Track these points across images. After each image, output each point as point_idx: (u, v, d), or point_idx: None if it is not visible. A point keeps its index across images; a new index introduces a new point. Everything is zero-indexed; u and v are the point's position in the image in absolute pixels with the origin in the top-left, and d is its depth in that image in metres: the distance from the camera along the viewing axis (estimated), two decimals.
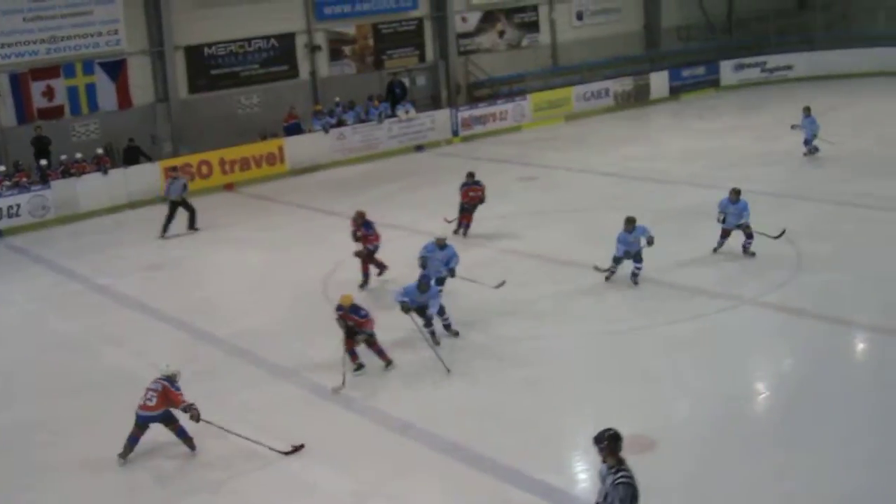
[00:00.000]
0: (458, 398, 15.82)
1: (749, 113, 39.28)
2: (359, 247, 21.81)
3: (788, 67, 45.85)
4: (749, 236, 21.42)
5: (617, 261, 20.49)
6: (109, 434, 14.93)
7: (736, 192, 21.72)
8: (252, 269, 23.79)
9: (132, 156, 32.35)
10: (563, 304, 19.64)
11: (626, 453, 13.62)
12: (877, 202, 24.44)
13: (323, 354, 17.97)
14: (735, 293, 19.42)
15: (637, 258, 20.30)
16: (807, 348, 17.01)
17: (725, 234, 21.83)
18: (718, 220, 21.67)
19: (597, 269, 20.48)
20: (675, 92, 44.56)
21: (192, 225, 28.07)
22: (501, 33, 42.93)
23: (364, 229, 21.74)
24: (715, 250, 21.79)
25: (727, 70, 45.95)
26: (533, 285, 20.67)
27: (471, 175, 24.75)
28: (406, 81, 39.53)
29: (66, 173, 30.91)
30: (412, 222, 26.27)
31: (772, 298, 19.00)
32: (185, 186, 28.51)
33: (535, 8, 43.74)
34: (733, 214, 21.55)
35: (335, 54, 38.42)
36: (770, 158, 30.64)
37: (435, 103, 39.78)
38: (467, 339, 18.19)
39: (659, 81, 44.36)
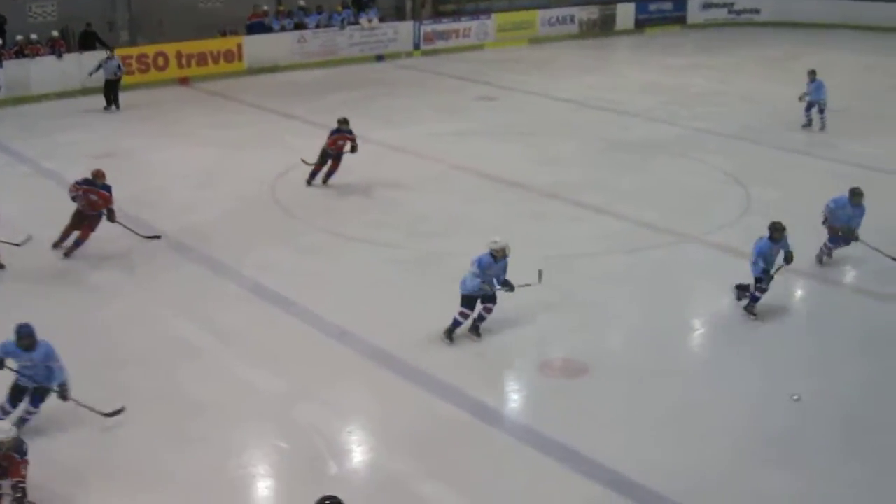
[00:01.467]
0: (396, 309, 15.86)
1: (712, 53, 39.29)
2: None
3: (756, 11, 45.89)
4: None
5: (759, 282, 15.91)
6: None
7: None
8: (202, 166, 23.62)
9: (88, 41, 31.86)
10: (507, 224, 19.60)
11: (561, 377, 13.87)
12: (828, 152, 24.59)
13: (266, 254, 18.01)
14: (678, 230, 19.49)
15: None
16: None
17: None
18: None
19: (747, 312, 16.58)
20: (640, 25, 44.50)
21: (118, 105, 29.31)
22: None
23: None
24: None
25: (694, 8, 45.90)
26: (478, 203, 20.70)
27: (344, 122, 22.62)
28: None
29: (19, 54, 30.49)
30: (365, 130, 26.08)
31: (715, 238, 19.10)
32: (119, 67, 29.41)
33: None
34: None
35: None
36: (727, 98, 30.79)
37: (399, 14, 39.41)
38: (410, 249, 18.22)
39: (625, 13, 44.20)
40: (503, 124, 27.47)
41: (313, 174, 22.08)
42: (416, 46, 37.90)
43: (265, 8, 35.45)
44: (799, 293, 17.46)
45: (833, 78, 29.64)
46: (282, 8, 36.07)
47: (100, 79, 29.18)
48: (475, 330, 14.99)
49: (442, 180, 22.54)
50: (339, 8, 36.84)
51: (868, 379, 13.99)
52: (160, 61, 32.36)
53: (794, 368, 14.26)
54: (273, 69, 34.07)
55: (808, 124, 26.46)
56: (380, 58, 36.85)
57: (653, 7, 45.09)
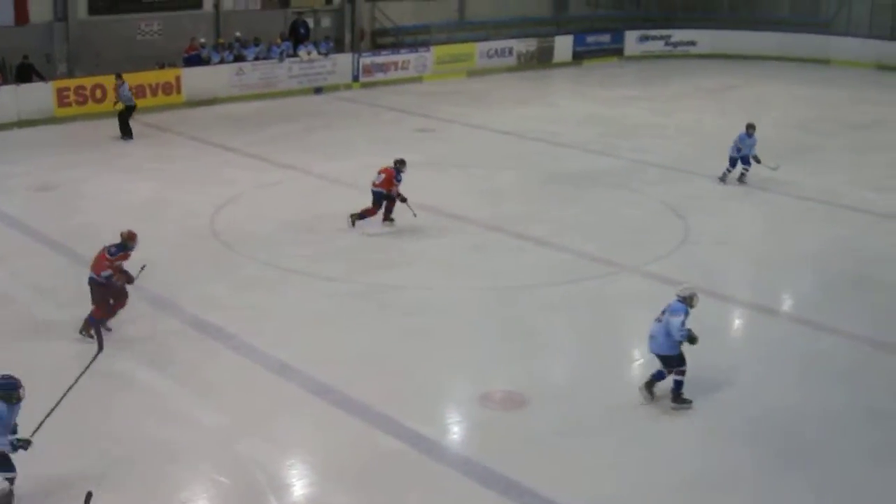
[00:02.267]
0: (337, 342, 15.84)
1: (649, 85, 39.68)
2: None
3: (692, 43, 46.42)
4: (748, 165, 24.81)
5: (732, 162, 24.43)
6: None
7: (752, 127, 24.82)
8: (140, 199, 23.44)
9: (25, 73, 31.63)
10: (449, 256, 19.73)
11: (498, 409, 13.90)
12: (764, 184, 24.86)
13: (203, 288, 17.95)
14: (617, 261, 19.65)
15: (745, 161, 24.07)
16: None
17: (734, 164, 24.95)
18: (732, 154, 24.85)
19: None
20: (578, 57, 44.80)
21: (128, 133, 29.37)
22: None
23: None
24: (722, 179, 24.97)
25: (631, 40, 46.32)
26: (420, 236, 20.73)
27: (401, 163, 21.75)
28: (311, 22, 39.17)
29: None
30: (304, 163, 26.17)
31: (654, 268, 19.25)
32: (131, 94, 29.80)
33: None
34: (748, 147, 24.70)
35: None
36: (665, 131, 31.07)
37: (338, 47, 39.43)
38: (351, 282, 18.22)
39: (563, 45, 44.51)
40: (442, 156, 27.54)
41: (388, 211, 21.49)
42: (355, 78, 37.93)
43: (202, 40, 35.35)
44: (737, 322, 17.65)
45: (769, 109, 30.09)
46: (221, 40, 35.99)
47: (37, 111, 28.95)
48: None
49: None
50: (278, 40, 36.82)
51: (807, 406, 14.15)
52: (98, 93, 32.11)
53: (736, 400, 14.37)
54: (212, 101, 33.98)
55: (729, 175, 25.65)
56: (318, 90, 36.84)
57: (590, 39, 45.47)
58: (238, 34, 36.25)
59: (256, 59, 35.86)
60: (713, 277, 18.83)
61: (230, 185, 24.19)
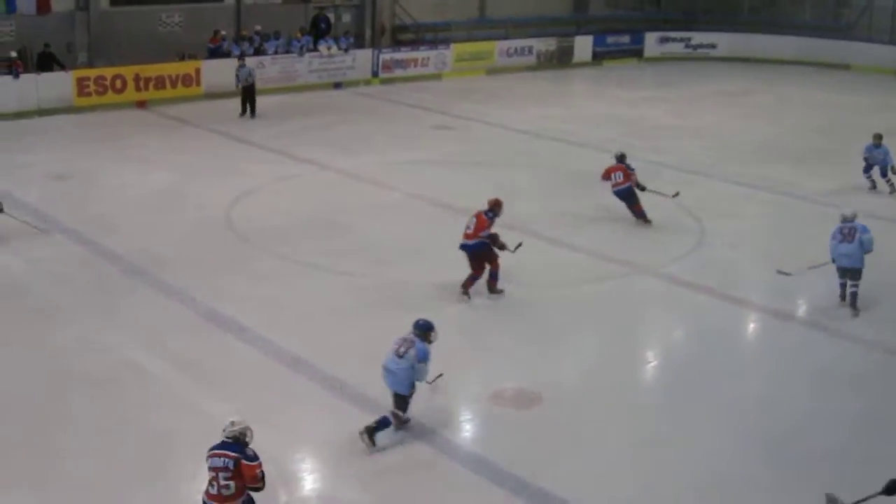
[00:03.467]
0: (351, 337, 15.83)
1: (668, 87, 39.57)
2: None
3: (712, 46, 46.26)
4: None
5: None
6: None
7: (878, 137, 24.54)
8: (157, 190, 23.54)
9: (46, 62, 31.73)
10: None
11: (511, 407, 13.91)
12: (781, 187, 24.83)
13: (217, 280, 18.00)
14: (633, 261, 19.64)
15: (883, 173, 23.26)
16: (698, 322, 17.29)
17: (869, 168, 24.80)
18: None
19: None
20: (597, 57, 44.71)
21: (253, 113, 31.47)
22: None
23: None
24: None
25: (651, 42, 46.20)
26: (435, 232, 20.68)
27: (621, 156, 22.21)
28: (331, 17, 39.18)
29: None
30: (323, 158, 26.20)
31: (669, 270, 19.25)
32: (251, 72, 31.69)
33: None
34: (879, 159, 24.51)
35: None
36: (683, 132, 30.99)
37: (358, 43, 39.42)
38: (366, 277, 18.23)
39: (583, 45, 44.43)
40: (460, 154, 27.55)
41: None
42: (375, 74, 37.95)
43: (223, 33, 35.39)
44: (751, 327, 17.64)
45: (788, 114, 30.02)
46: (244, 33, 36.02)
47: (57, 100, 29.02)
48: None
49: (399, 209, 22.59)
50: (299, 35, 36.84)
51: (820, 415, 14.13)
52: (118, 84, 32.22)
53: (748, 405, 14.37)
54: (231, 94, 33.98)
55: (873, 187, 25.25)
56: (338, 85, 36.87)
57: (610, 40, 45.39)
58: (258, 27, 36.27)
59: (276, 52, 35.89)
60: (728, 280, 18.82)
61: (248, 178, 24.23)
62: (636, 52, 45.83)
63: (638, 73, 43.03)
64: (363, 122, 31.55)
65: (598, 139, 29.35)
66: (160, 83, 33.03)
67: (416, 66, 39.06)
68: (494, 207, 17.90)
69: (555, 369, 15.28)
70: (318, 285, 18.09)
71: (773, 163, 27.08)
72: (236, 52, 34.93)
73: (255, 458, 10.27)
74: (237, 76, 31.78)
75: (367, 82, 37.58)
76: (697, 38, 46.42)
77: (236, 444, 10.31)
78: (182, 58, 34.29)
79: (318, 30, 37.79)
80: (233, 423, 10.39)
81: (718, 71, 42.92)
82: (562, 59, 43.63)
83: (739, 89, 38.70)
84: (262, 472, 10.30)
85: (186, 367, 14.80)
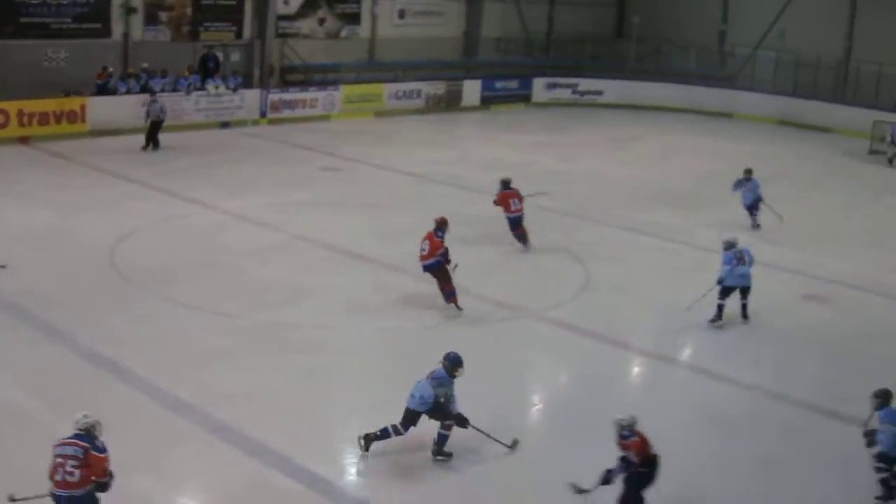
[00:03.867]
0: (233, 379, 15.71)
1: (556, 132, 40.01)
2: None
3: (599, 92, 47.00)
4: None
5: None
6: None
7: (749, 172, 26.46)
8: (38, 227, 23.11)
9: None
10: (350, 297, 19.67)
11: (387, 453, 13.83)
12: (665, 232, 25.20)
13: (99, 320, 17.74)
14: (520, 305, 19.77)
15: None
16: (581, 365, 17.45)
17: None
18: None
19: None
20: (486, 102, 45.12)
21: (156, 145, 32.22)
22: (322, 21, 42.67)
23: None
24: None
25: (539, 87, 46.79)
26: (322, 274, 20.67)
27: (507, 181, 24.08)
28: (220, 56, 39.00)
29: None
30: (208, 198, 25.98)
31: (554, 314, 19.39)
32: (163, 108, 32.47)
33: (358, 0, 43.64)
34: (749, 191, 26.23)
35: (151, 19, 37.49)
36: (569, 177, 31.27)
37: (246, 82, 39.24)
38: (250, 319, 18.09)
39: (471, 89, 44.83)
40: (347, 196, 27.53)
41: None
42: (263, 115, 37.79)
43: (111, 69, 35.03)
44: (634, 370, 17.82)
45: (672, 160, 30.54)
46: (130, 70, 35.68)
47: None
48: None
49: (285, 250, 22.47)
50: (186, 73, 36.60)
51: (701, 454, 14.29)
52: (0, 119, 31.70)
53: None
54: (116, 132, 33.61)
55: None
56: (225, 125, 36.65)
57: (499, 85, 45.86)
58: (146, 65, 35.95)
59: (163, 90, 35.59)
60: (612, 324, 19.03)
61: (132, 217, 23.94)
62: (524, 98, 46.33)
63: (526, 118, 43.43)
64: (250, 163, 31.38)
65: (485, 183, 29.43)
66: (44, 119, 32.53)
67: (304, 106, 39.00)
68: (441, 226, 19.33)
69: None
70: (200, 327, 17.91)
71: (657, 208, 27.49)
72: (122, 90, 34.61)
73: (104, 450, 10.92)
74: (147, 111, 32.33)
75: (255, 122, 37.38)
76: (584, 84, 47.15)
77: (87, 435, 10.92)
78: (67, 94, 33.84)
79: (207, 68, 37.59)
80: (85, 416, 11.03)
81: (605, 117, 43.55)
82: (450, 103, 43.93)
83: (626, 135, 39.29)
84: (110, 467, 10.90)
85: (65, 410, 14.46)
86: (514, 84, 46.36)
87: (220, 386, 15.49)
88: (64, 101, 33.38)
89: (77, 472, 10.76)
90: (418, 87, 43.06)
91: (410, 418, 13.78)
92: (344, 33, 43.50)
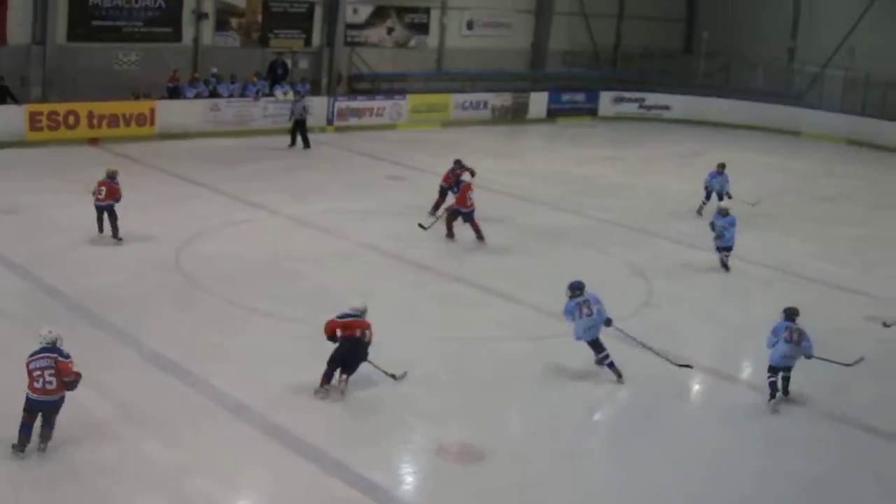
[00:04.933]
0: (295, 385, 15.75)
1: (621, 146, 39.92)
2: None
3: (666, 107, 46.87)
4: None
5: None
6: None
7: (722, 166, 28.29)
8: (107, 228, 23.36)
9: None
10: (411, 305, 19.71)
11: (454, 461, 13.86)
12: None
13: (163, 322, 17.88)
14: None
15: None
16: (640, 381, 17.31)
17: (709, 196, 28.06)
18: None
19: None
20: (552, 114, 45.13)
21: (306, 144, 34.26)
22: (390, 30, 42.93)
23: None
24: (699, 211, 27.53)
25: (606, 101, 46.72)
26: (384, 282, 20.69)
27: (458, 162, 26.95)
28: (289, 63, 39.28)
29: None
30: (274, 204, 26.15)
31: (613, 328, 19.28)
32: (305, 107, 34.67)
33: (427, 10, 43.83)
34: (720, 183, 27.98)
35: (221, 25, 37.93)
36: (633, 192, 31.18)
37: (314, 89, 39.49)
38: (312, 324, 18.10)
39: (538, 102, 44.87)
40: (411, 205, 27.49)
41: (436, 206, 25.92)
42: (330, 122, 38.03)
43: (180, 73, 35.38)
44: (696, 388, 17.70)
45: (738, 177, 30.30)
46: (196, 75, 36.02)
47: (8, 133, 28.81)
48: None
49: (348, 257, 22.55)
50: (255, 79, 36.89)
51: (772, 477, 14.20)
52: (71, 120, 32.13)
53: (695, 461, 14.42)
54: (183, 135, 33.95)
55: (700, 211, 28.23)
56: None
57: (565, 97, 45.84)
58: (215, 70, 36.29)
59: (231, 96, 35.91)
60: (674, 340, 18.89)
61: (198, 220, 24.16)
62: (590, 111, 46.29)
63: (591, 132, 43.35)
64: (316, 169, 31.57)
65: (549, 196, 29.52)
66: (114, 121, 32.97)
67: (371, 115, 39.21)
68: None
69: (498, 425, 15.28)
70: (263, 331, 18.00)
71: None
72: (191, 94, 34.94)
73: (68, 356, 13.08)
74: (291, 110, 34.74)
75: (322, 129, 37.60)
76: (651, 99, 47.05)
77: (53, 348, 13.02)
78: (137, 97, 34.22)
79: (275, 75, 37.89)
80: (49, 332, 13.14)
81: (672, 132, 43.37)
82: (516, 115, 43.96)
83: (691, 151, 39.07)
84: (77, 371, 13.08)
85: (129, 410, 14.65)
86: (580, 97, 46.33)
87: (280, 390, 15.55)
88: (133, 103, 33.85)
89: (54, 380, 12.85)
90: (485, 98, 43.15)
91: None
92: (412, 43, 43.72)
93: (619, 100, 46.91)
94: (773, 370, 16.38)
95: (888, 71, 43.22)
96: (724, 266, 23.46)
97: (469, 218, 24.15)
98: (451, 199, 25.22)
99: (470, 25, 45.32)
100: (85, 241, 22.33)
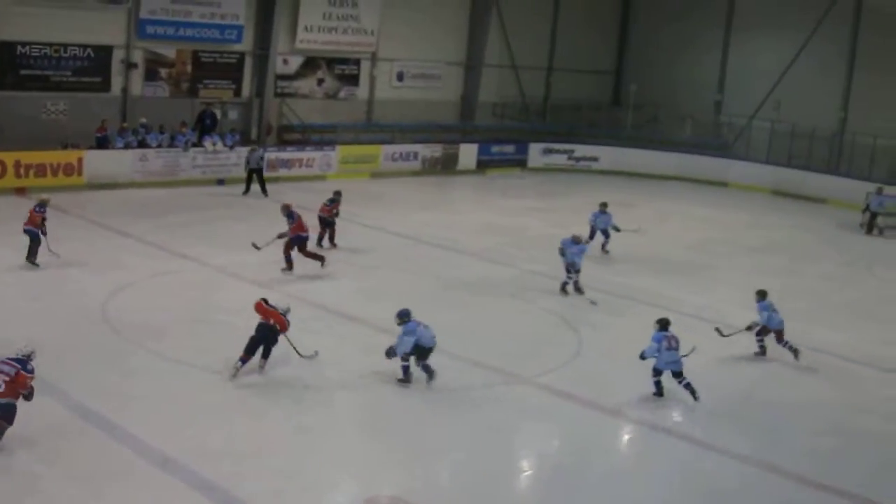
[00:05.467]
0: (222, 437, 15.67)
1: (550, 197, 40.13)
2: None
3: (594, 159, 47.32)
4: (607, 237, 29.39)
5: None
6: None
7: (604, 205, 29.32)
8: (32, 278, 23.16)
9: None
10: (339, 357, 19.65)
11: None
12: (655, 299, 25.15)
13: (90, 374, 17.72)
14: (509, 371, 19.73)
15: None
16: (571, 432, 17.40)
17: (592, 235, 28.88)
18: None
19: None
20: (482, 166, 45.31)
21: (264, 192, 35.40)
22: (321, 81, 43.03)
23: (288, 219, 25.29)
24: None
25: (535, 152, 47.05)
26: (312, 334, 20.57)
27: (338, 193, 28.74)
28: (218, 114, 39.20)
29: None
30: (203, 255, 26.02)
31: (546, 380, 19.37)
32: (262, 157, 35.85)
33: (357, 62, 44.00)
34: (604, 222, 29.11)
35: (150, 75, 37.84)
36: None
37: (243, 140, 39.38)
38: (240, 376, 18.03)
39: (468, 153, 45.04)
40: (340, 257, 27.50)
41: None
42: None
43: (109, 123, 35.20)
44: (625, 438, 17.79)
45: (666, 228, 30.60)
46: (125, 125, 35.86)
47: None
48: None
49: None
50: (184, 129, 36.78)
51: None
52: None
53: None
54: (113, 186, 33.75)
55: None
56: (221, 181, 36.79)
57: (495, 149, 46.09)
58: (143, 120, 36.15)
59: (160, 146, 35.78)
60: (603, 391, 18.99)
61: (126, 272, 23.99)
62: (520, 162, 46.55)
63: (521, 183, 43.57)
64: (245, 220, 31.43)
65: (478, 247, 29.62)
66: (41, 171, 32.72)
67: (300, 166, 39.19)
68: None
69: (429, 476, 15.26)
70: (191, 383, 17.87)
71: (649, 275, 27.55)
72: (120, 144, 34.78)
73: (32, 371, 14.72)
74: (248, 159, 35.67)
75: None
76: (580, 150, 47.49)
77: (22, 360, 14.73)
78: (65, 146, 34.00)
79: (204, 125, 37.80)
80: (26, 346, 15.03)
81: (600, 184, 43.61)
82: (446, 166, 44.11)
83: (620, 202, 39.27)
84: (33, 386, 14.68)
85: (54, 463, 14.48)
86: (510, 148, 46.64)
87: (208, 443, 15.45)
88: (62, 153, 33.63)
89: (3, 385, 14.35)
90: (415, 150, 43.27)
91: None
92: (342, 94, 43.85)
93: (549, 151, 47.26)
94: (657, 372, 18.76)
95: (813, 122, 44.11)
96: (578, 290, 25.21)
97: (303, 244, 25.36)
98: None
99: (400, 77, 45.56)
100: (11, 292, 22.09)
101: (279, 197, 34.72)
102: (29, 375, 14.61)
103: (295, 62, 42.03)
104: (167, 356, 18.92)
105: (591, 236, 28.84)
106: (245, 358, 17.90)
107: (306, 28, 41.71)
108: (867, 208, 37.67)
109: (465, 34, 47.72)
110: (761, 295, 21.76)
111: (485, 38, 47.55)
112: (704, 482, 15.83)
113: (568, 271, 25.15)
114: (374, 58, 44.48)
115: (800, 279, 29.37)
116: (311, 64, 42.58)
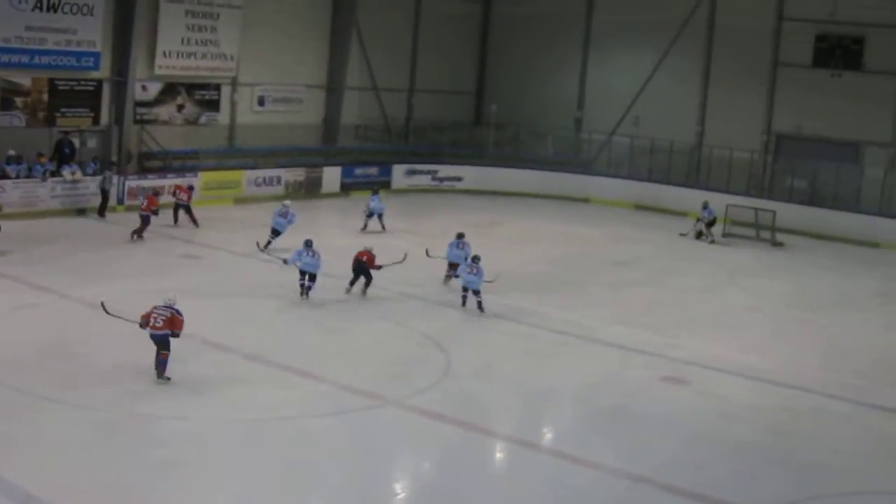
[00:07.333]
0: (87, 474, 15.36)
1: (415, 218, 40.18)
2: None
3: (458, 178, 47.66)
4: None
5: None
6: None
7: (461, 235, 29.33)
8: None
9: None
10: (209, 386, 19.43)
11: None
12: (522, 316, 25.40)
13: None
14: (379, 393, 19.70)
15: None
16: (443, 453, 17.44)
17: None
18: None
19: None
20: (346, 188, 45.28)
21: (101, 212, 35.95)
22: (180, 107, 42.49)
23: None
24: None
25: (399, 174, 47.19)
26: (179, 363, 20.30)
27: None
28: (76, 142, 38.52)
29: None
30: (63, 287, 25.52)
31: (415, 401, 19.38)
32: (108, 179, 36.32)
33: (217, 87, 43.54)
34: (461, 249, 28.73)
35: (6, 104, 36.86)
36: (430, 263, 31.33)
37: (104, 169, 38.74)
38: (105, 410, 17.71)
39: (331, 176, 45.00)
40: (207, 283, 27.21)
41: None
42: (120, 202, 37.35)
43: None
44: (497, 456, 17.86)
45: (531, 244, 30.79)
46: None
47: None
48: None
49: (141, 340, 22.04)
50: (42, 159, 36.06)
51: None
52: None
53: None
54: None
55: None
56: (81, 211, 36.16)
57: (358, 171, 46.09)
58: (12, 152, 35.31)
59: (17, 177, 35.02)
60: (474, 411, 19.05)
61: None
62: (384, 184, 46.52)
63: (385, 205, 43.47)
64: (107, 250, 30.91)
65: (344, 270, 29.44)
66: None
67: (162, 193, 38.61)
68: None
69: (303, 502, 15.14)
70: (54, 419, 17.49)
71: (515, 292, 27.70)
72: None
73: (181, 314, 19.18)
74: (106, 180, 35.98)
75: (113, 209, 36.87)
76: (444, 170, 47.79)
77: (173, 306, 19.19)
78: None
79: (62, 154, 37.10)
80: (168, 298, 19.35)
81: (465, 203, 43.95)
82: (310, 190, 43.95)
83: (485, 221, 39.61)
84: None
85: None
86: (374, 170, 46.68)
87: (72, 480, 15.14)
88: None
89: (162, 321, 19.07)
90: (278, 174, 43.06)
91: None
92: (203, 120, 43.34)
93: (412, 172, 47.45)
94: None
95: (671, 137, 45.13)
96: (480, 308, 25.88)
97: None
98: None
99: (261, 101, 45.26)
100: None
101: (112, 230, 34.19)
102: (181, 318, 19.16)
103: (154, 88, 41.42)
104: (27, 391, 18.48)
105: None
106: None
107: (165, 54, 41.16)
108: (699, 220, 38.81)
109: (326, 57, 47.62)
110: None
111: (346, 61, 47.53)
112: (577, 499, 15.93)
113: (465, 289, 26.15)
114: (234, 82, 44.11)
115: (663, 291, 29.84)
116: (170, 90, 41.99)
